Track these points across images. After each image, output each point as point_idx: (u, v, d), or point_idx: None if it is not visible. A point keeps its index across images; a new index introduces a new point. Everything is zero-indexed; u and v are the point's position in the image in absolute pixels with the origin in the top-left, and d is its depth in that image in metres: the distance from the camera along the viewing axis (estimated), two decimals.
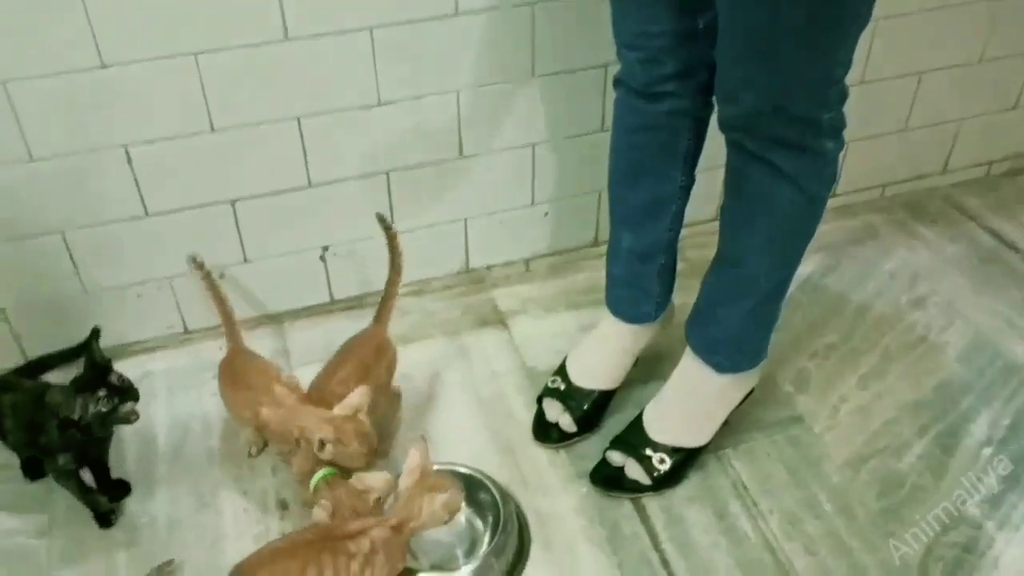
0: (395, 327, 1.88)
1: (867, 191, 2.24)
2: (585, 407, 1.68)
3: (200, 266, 1.64)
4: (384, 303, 1.66)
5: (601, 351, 1.72)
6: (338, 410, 1.42)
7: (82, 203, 1.64)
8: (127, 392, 1.42)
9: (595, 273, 2.01)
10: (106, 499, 1.55)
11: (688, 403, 1.59)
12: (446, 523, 1.34)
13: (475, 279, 2.02)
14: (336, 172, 1.76)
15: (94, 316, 1.76)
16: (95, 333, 1.65)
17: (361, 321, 1.82)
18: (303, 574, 1.25)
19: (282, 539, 1.36)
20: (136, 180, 1.63)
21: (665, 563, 1.49)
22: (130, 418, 1.43)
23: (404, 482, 1.34)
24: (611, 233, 1.66)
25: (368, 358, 1.59)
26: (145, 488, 1.61)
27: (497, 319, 1.94)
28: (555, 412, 1.69)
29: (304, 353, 1.86)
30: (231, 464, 1.65)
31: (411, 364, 1.83)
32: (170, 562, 1.45)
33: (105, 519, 1.54)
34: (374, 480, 1.41)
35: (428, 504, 1.31)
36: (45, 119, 1.52)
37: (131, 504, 1.59)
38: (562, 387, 1.71)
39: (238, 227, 1.76)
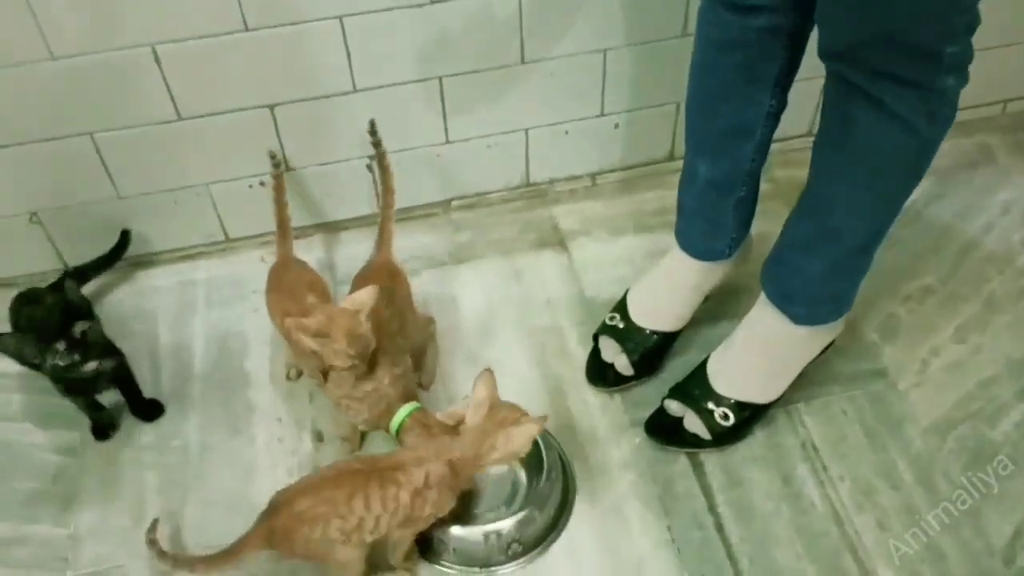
0: (445, 244, 1.78)
1: (986, 107, 1.97)
2: (644, 349, 1.54)
3: (278, 164, 1.54)
4: (383, 228, 1.55)
5: (666, 288, 1.56)
6: (345, 303, 1.33)
7: (109, 104, 1.52)
8: (88, 348, 1.35)
9: (667, 192, 1.82)
10: (108, 412, 1.52)
11: (759, 355, 1.44)
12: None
13: (535, 194, 1.87)
14: (383, 76, 1.60)
15: (130, 222, 1.69)
16: (123, 240, 1.57)
17: (409, 234, 1.71)
18: (349, 503, 1.20)
19: (330, 468, 1.28)
20: (166, 81, 1.51)
21: (720, 527, 1.38)
22: (91, 374, 1.38)
23: (472, 417, 1.24)
24: (686, 159, 1.48)
25: (385, 284, 1.47)
26: (178, 407, 1.56)
27: (556, 240, 1.80)
28: (611, 352, 1.56)
29: (350, 267, 1.75)
30: (268, 388, 1.58)
31: (460, 285, 1.72)
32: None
33: (101, 431, 1.51)
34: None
35: (505, 440, 1.21)
36: (62, 14, 1.40)
37: (164, 424, 1.54)
38: (621, 325, 1.57)
39: (278, 133, 1.63)
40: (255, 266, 1.76)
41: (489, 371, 1.26)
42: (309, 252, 1.77)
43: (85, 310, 1.44)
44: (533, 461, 1.41)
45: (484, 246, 1.79)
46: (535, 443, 1.40)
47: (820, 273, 1.35)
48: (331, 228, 1.82)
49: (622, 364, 1.55)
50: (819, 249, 1.33)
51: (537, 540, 1.36)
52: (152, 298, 1.72)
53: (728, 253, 1.54)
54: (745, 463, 1.45)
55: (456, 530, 1.33)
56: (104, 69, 1.47)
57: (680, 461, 1.46)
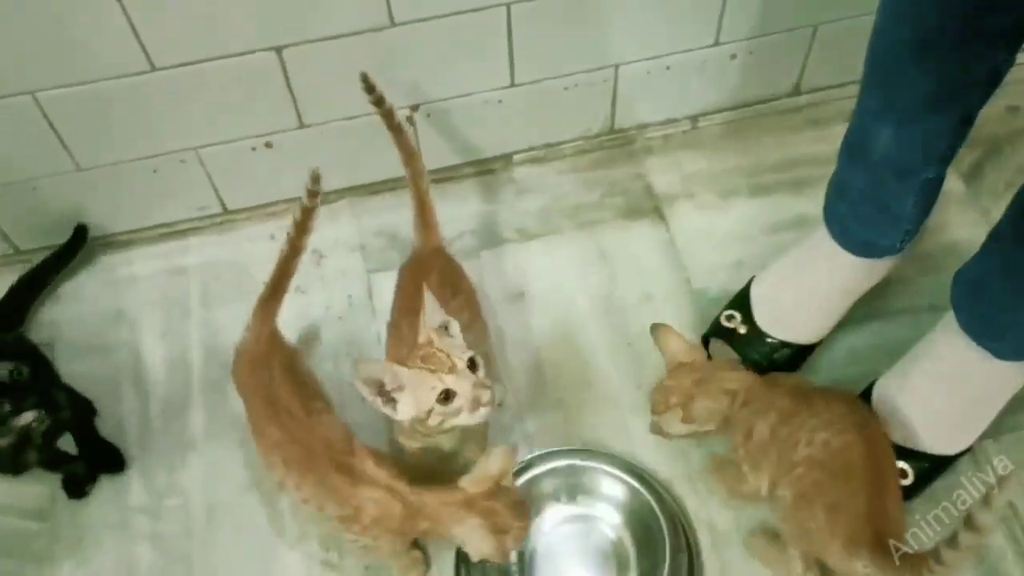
0: (507, 213, 1.39)
1: None
2: (769, 364, 1.20)
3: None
4: (420, 205, 1.19)
5: (807, 289, 1.20)
6: (470, 484, 0.96)
7: (55, 55, 1.11)
8: (22, 392, 1.02)
9: (789, 138, 1.45)
10: (77, 462, 1.18)
11: (947, 395, 1.10)
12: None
13: (621, 142, 1.46)
14: (431, 4, 1.17)
15: (94, 198, 1.31)
16: (78, 235, 1.21)
17: (457, 200, 1.39)
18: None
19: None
20: (131, 21, 1.08)
21: None
22: (32, 428, 1.04)
23: (468, 485, 0.96)
24: (856, 122, 1.09)
25: (443, 275, 1.14)
26: (175, 449, 1.21)
27: (650, 206, 1.40)
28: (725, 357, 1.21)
29: (381, 249, 1.37)
30: None
31: (526, 271, 1.34)
32: None
33: (75, 486, 1.18)
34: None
35: (468, 536, 0.95)
36: None
37: (160, 475, 1.20)
38: (741, 330, 1.22)
39: (288, 83, 1.21)
40: (263, 246, 1.37)
41: (513, 450, 0.98)
42: (334, 221, 1.39)
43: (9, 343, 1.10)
44: (637, 529, 1.09)
45: (557, 215, 1.40)
46: (642, 503, 1.10)
47: None
48: (359, 192, 1.42)
49: None
50: None
51: None
52: (130, 293, 1.35)
53: (898, 248, 1.16)
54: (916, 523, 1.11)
55: None
56: (44, 8, 1.05)
57: None
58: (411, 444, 1.05)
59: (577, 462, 1.13)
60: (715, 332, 1.23)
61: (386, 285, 1.31)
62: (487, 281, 1.33)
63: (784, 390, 1.04)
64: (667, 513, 1.08)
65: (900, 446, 1.09)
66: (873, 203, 1.12)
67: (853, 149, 1.11)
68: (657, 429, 1.11)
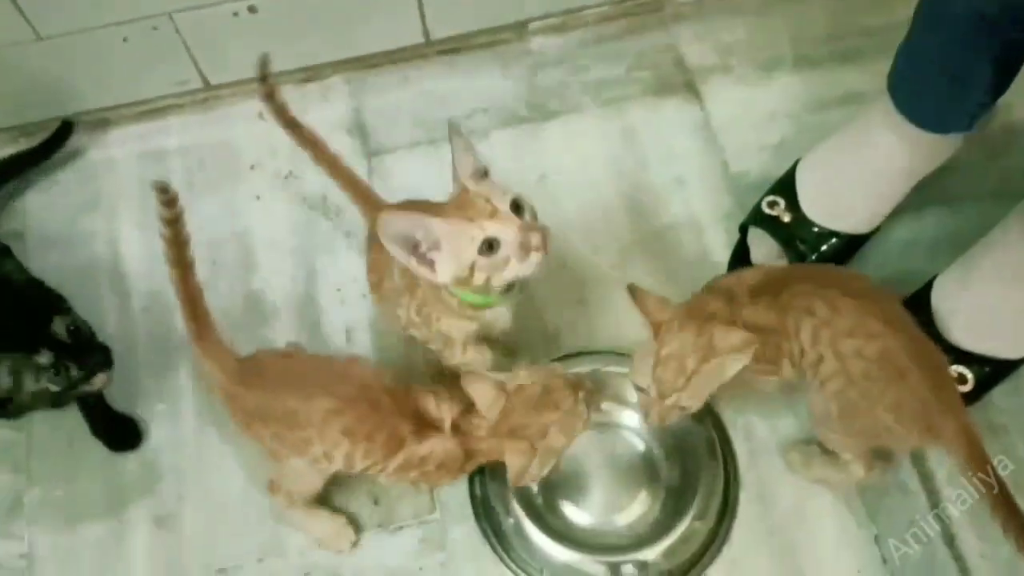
0: (523, 89, 1.27)
1: None
2: (817, 255, 1.08)
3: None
4: (354, 184, 1.03)
5: (863, 171, 1.07)
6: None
7: None
8: (85, 351, 0.88)
9: (843, 3, 1.28)
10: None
11: (1014, 291, 0.99)
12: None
13: (649, 7, 1.31)
14: None
15: (59, 72, 1.17)
16: (61, 132, 1.07)
17: (469, 74, 1.27)
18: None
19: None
20: None
21: (950, 539, 0.98)
22: (94, 389, 0.92)
23: (487, 412, 0.88)
24: None
25: None
26: (160, 351, 1.11)
27: (682, 81, 1.26)
28: (765, 253, 1.10)
29: (385, 128, 1.24)
30: (293, 319, 1.12)
31: (544, 154, 1.23)
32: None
33: (126, 439, 1.07)
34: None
35: (508, 455, 0.86)
36: None
37: (146, 379, 1.10)
38: (786, 218, 1.10)
39: None
40: (252, 127, 1.24)
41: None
42: (328, 100, 1.26)
43: (47, 291, 0.97)
44: (677, 434, 1.00)
45: (578, 91, 1.26)
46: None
47: None
48: (356, 65, 1.28)
49: None
50: None
51: (692, 561, 0.96)
52: (105, 179, 1.23)
53: (968, 124, 1.02)
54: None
55: (569, 556, 0.93)
56: None
57: None
58: (461, 326, 0.92)
59: (601, 367, 1.03)
60: (755, 220, 1.11)
61: (389, 169, 1.20)
62: (501, 165, 1.19)
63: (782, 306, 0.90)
64: (700, 421, 0.98)
65: (959, 349, 1.00)
66: (948, 68, 0.98)
67: (924, 9, 0.96)
68: (660, 416, 0.92)
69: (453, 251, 0.81)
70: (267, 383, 0.89)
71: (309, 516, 0.99)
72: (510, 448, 0.85)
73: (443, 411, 0.88)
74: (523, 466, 0.85)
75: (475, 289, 0.84)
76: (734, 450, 1.02)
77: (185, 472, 1.05)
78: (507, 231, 0.80)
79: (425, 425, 0.87)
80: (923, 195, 1.11)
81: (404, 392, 0.89)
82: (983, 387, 1.02)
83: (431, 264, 0.81)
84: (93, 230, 1.19)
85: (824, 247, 1.09)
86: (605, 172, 1.20)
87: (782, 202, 1.11)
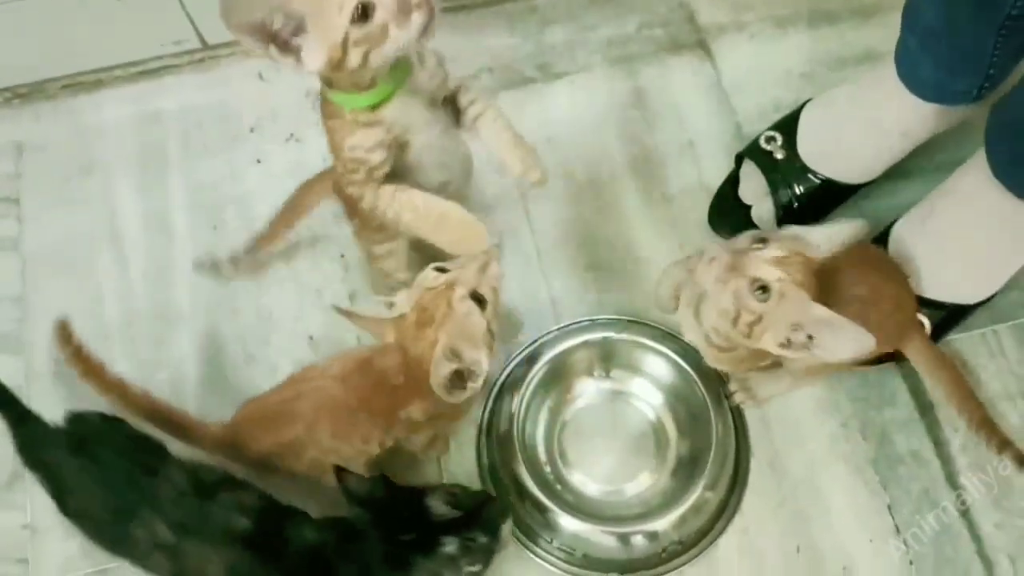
0: (530, 47, 1.25)
1: None
2: (804, 200, 1.07)
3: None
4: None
5: (864, 123, 1.06)
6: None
7: None
8: (475, 511, 0.82)
9: None
10: None
11: (971, 239, 0.99)
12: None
13: None
14: None
15: (50, 31, 1.14)
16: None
17: (473, 34, 1.24)
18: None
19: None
20: None
21: (964, 510, 0.97)
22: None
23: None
24: None
25: None
26: (160, 320, 1.10)
27: (694, 39, 1.23)
28: (754, 191, 1.09)
29: None
30: (290, 284, 1.11)
31: (551, 115, 1.20)
32: None
33: None
34: None
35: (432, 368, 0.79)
36: None
37: (145, 348, 1.08)
38: (780, 155, 1.09)
39: None
40: (252, 87, 1.22)
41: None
42: None
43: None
44: (689, 404, 0.98)
45: (586, 50, 1.23)
46: (681, 369, 0.99)
47: None
48: None
49: (763, 213, 1.08)
50: None
51: (702, 532, 0.96)
52: (101, 142, 1.20)
53: (975, 96, 1.00)
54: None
55: (578, 526, 0.92)
56: None
57: (900, 400, 1.02)
58: (368, 136, 0.82)
59: (612, 335, 1.02)
60: (750, 152, 1.10)
61: None
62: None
63: None
64: (712, 390, 0.97)
65: (918, 296, 1.00)
66: (950, 45, 0.96)
67: None
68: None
69: (320, 27, 0.72)
70: (255, 432, 0.89)
71: None
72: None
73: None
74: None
75: (355, 77, 0.76)
76: (745, 419, 1.01)
77: None
78: None
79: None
80: (921, 160, 1.09)
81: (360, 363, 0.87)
82: (939, 331, 1.02)
83: (296, 52, 0.73)
84: (89, 194, 1.17)
85: (811, 193, 1.07)
86: (614, 134, 1.18)
87: (780, 138, 1.09)
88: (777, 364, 0.91)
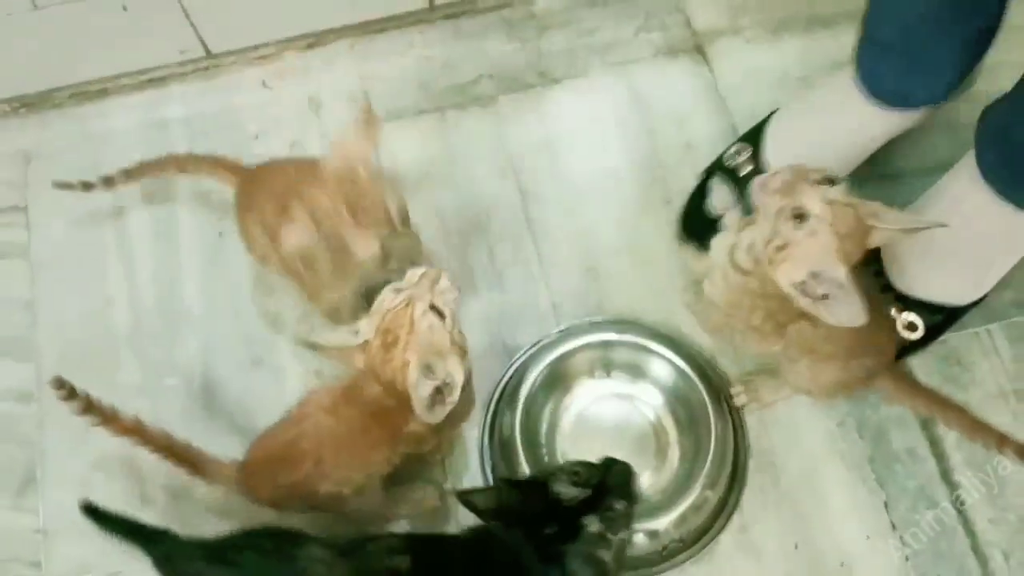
0: (528, 54, 1.27)
1: None
2: None
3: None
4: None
5: (829, 133, 1.08)
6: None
7: None
8: (605, 481, 0.82)
9: None
10: None
11: (961, 241, 1.01)
12: None
13: None
14: None
15: (59, 42, 1.17)
16: None
17: (473, 40, 1.27)
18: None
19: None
20: None
21: (960, 504, 1.00)
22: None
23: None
24: None
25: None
26: (169, 324, 1.12)
27: (691, 43, 1.25)
28: (722, 201, 1.10)
29: (390, 95, 1.23)
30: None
31: (550, 119, 1.22)
32: None
33: None
34: None
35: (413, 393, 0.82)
36: None
37: (155, 352, 1.11)
38: (747, 169, 1.10)
39: None
40: (255, 95, 1.24)
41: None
42: (332, 66, 1.25)
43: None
44: (689, 405, 1.00)
45: (585, 54, 1.25)
46: (680, 370, 1.01)
47: None
48: (359, 31, 1.27)
49: (732, 223, 1.09)
50: None
51: (702, 530, 0.98)
52: (108, 149, 1.22)
53: (939, 99, 1.03)
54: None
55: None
56: None
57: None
58: None
59: (614, 336, 1.04)
60: (717, 166, 1.12)
61: (394, 137, 1.20)
62: (507, 131, 1.20)
63: None
64: (712, 392, 1.00)
65: (909, 296, 1.03)
66: (909, 58, 0.98)
67: None
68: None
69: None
70: (266, 470, 0.90)
71: None
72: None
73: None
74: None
75: None
76: (743, 419, 1.03)
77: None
78: None
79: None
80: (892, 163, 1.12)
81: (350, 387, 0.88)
82: (933, 333, 1.04)
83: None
84: (97, 202, 1.18)
85: None
86: (613, 137, 1.20)
87: (749, 151, 1.11)
88: (771, 331, 0.91)
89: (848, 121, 1.07)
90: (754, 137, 1.11)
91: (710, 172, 1.12)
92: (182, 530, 0.88)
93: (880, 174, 1.13)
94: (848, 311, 0.80)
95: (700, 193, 1.12)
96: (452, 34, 1.26)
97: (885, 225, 0.81)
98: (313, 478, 0.88)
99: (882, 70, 1.02)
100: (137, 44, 1.21)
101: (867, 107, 1.05)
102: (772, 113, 1.12)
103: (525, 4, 1.28)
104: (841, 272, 0.80)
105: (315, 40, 1.25)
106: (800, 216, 0.80)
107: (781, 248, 0.81)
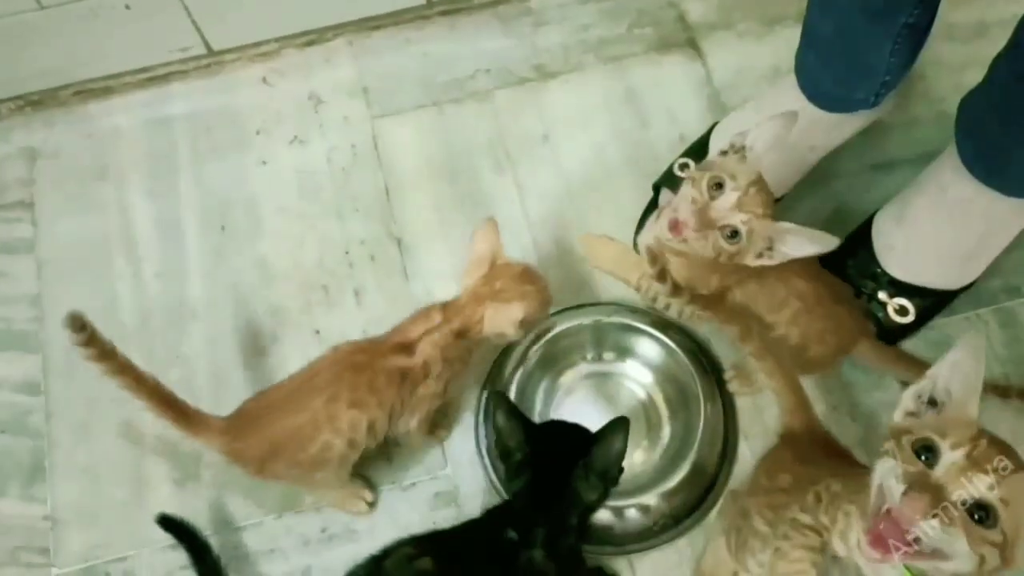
0: (524, 49, 1.30)
1: None
2: None
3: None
4: None
5: (770, 143, 1.10)
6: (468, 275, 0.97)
7: None
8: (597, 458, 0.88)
9: None
10: None
11: (949, 227, 1.05)
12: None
13: None
14: None
15: (63, 42, 1.21)
16: None
17: (469, 37, 1.30)
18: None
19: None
20: None
21: None
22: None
23: (467, 278, 0.97)
24: None
25: None
26: (174, 319, 1.16)
27: (684, 38, 1.29)
28: None
29: (389, 91, 1.27)
30: (293, 281, 1.17)
31: (546, 114, 1.26)
32: None
33: None
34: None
35: (492, 316, 0.94)
36: None
37: (160, 347, 1.14)
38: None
39: None
40: (256, 92, 1.28)
41: (492, 221, 0.98)
42: (331, 63, 1.29)
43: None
44: (679, 383, 1.04)
45: (580, 50, 1.29)
46: (669, 349, 1.05)
47: None
48: (358, 28, 1.31)
49: None
50: None
51: (692, 506, 1.01)
52: (113, 147, 1.26)
53: (873, 102, 1.08)
54: None
55: None
56: None
57: (888, 383, 1.07)
58: None
59: (603, 319, 1.08)
60: (666, 180, 1.15)
61: (393, 132, 1.23)
62: (504, 125, 1.24)
63: None
64: (702, 371, 1.03)
65: (900, 281, 1.07)
66: (844, 59, 1.03)
67: None
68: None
69: None
70: (260, 423, 0.93)
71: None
72: (494, 306, 0.93)
73: (422, 320, 0.95)
74: (506, 319, 0.92)
75: None
76: (733, 398, 1.07)
77: None
78: None
79: (407, 345, 0.94)
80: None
81: (375, 342, 0.95)
82: (924, 317, 1.08)
83: None
84: (103, 198, 1.23)
85: None
86: (607, 131, 1.23)
87: (693, 164, 1.14)
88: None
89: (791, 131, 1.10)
90: (699, 149, 1.15)
91: (660, 184, 1.16)
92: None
93: (872, 164, 1.17)
94: (810, 242, 0.87)
95: (653, 204, 1.16)
96: (449, 30, 1.30)
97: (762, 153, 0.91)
98: (317, 423, 0.91)
99: (821, 73, 1.06)
100: (140, 43, 1.25)
101: (809, 113, 1.09)
102: (715, 125, 1.16)
103: (520, 0, 1.32)
104: (782, 225, 0.88)
105: (315, 37, 1.30)
106: (734, 232, 0.88)
107: (735, 255, 0.89)
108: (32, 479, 1.09)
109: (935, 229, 1.04)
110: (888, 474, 0.62)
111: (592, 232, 1.05)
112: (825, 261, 1.06)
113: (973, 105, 0.98)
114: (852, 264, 1.08)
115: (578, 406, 1.06)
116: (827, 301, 0.96)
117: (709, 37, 1.29)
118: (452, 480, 1.06)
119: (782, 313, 0.95)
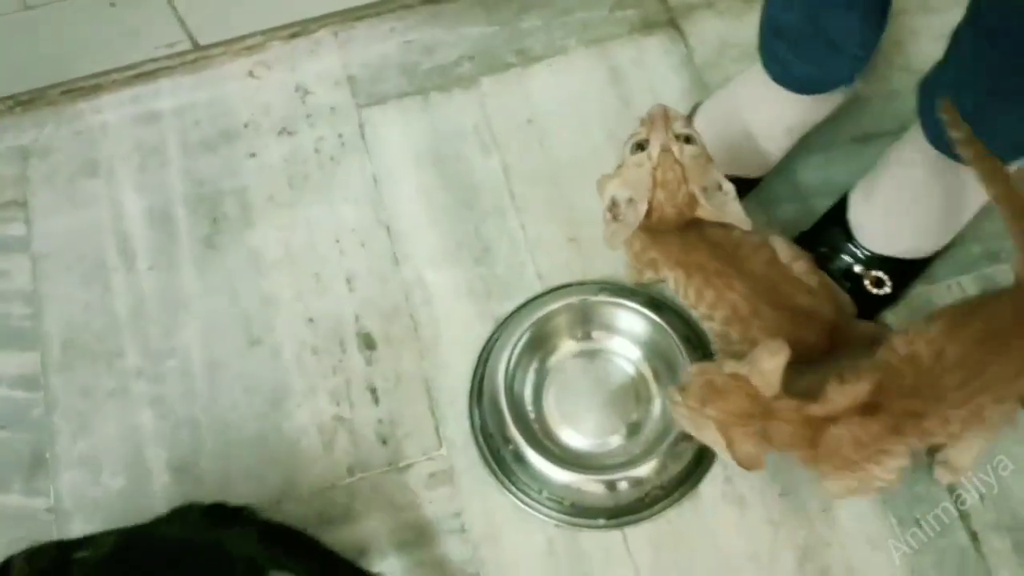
0: (506, 34, 1.34)
1: None
2: None
3: None
4: None
5: (748, 125, 1.15)
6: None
7: None
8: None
9: None
10: None
11: (918, 199, 1.08)
12: None
13: None
14: None
15: (49, 40, 1.24)
16: None
17: (450, 23, 1.32)
18: None
19: None
20: None
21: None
22: None
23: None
24: None
25: None
26: (168, 309, 1.19)
27: (665, 18, 1.32)
28: None
29: (373, 80, 1.31)
30: (286, 267, 1.20)
31: (531, 97, 1.29)
32: None
33: None
34: None
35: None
36: None
37: (155, 336, 1.18)
38: None
39: None
40: (244, 85, 1.31)
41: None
42: (316, 54, 1.32)
43: None
44: (668, 358, 1.08)
45: (563, 33, 1.32)
46: (655, 324, 1.08)
47: (1019, 122, 0.96)
48: (342, 18, 1.34)
49: None
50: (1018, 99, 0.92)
51: (681, 478, 1.05)
52: (102, 143, 1.30)
53: (849, 79, 1.11)
54: None
55: (567, 477, 1.02)
56: None
57: None
58: None
59: (589, 297, 1.11)
60: None
61: (380, 120, 1.27)
62: (490, 111, 1.27)
63: None
64: (688, 345, 1.07)
65: (875, 254, 1.10)
66: (812, 43, 1.05)
67: None
68: None
69: None
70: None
71: None
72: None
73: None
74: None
75: None
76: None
77: (200, 423, 1.14)
78: None
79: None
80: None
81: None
82: (900, 286, 1.11)
83: None
84: (94, 195, 1.26)
85: None
86: (592, 113, 1.27)
87: None
88: None
89: (766, 115, 1.14)
90: None
91: None
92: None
93: (851, 136, 1.21)
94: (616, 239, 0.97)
95: None
96: (432, 18, 1.33)
97: (704, 204, 0.94)
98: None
99: (792, 61, 1.09)
100: (127, 40, 1.28)
101: (781, 98, 1.12)
102: (697, 104, 1.20)
103: None
104: (641, 210, 0.95)
105: (299, 29, 1.33)
106: (640, 146, 0.94)
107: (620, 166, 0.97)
108: (34, 473, 1.12)
109: (905, 203, 1.08)
110: None
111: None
112: (801, 239, 1.11)
113: (938, 83, 1.00)
114: (826, 239, 1.12)
115: (569, 385, 1.10)
116: None
117: (690, 16, 1.32)
118: (447, 460, 1.09)
119: None
